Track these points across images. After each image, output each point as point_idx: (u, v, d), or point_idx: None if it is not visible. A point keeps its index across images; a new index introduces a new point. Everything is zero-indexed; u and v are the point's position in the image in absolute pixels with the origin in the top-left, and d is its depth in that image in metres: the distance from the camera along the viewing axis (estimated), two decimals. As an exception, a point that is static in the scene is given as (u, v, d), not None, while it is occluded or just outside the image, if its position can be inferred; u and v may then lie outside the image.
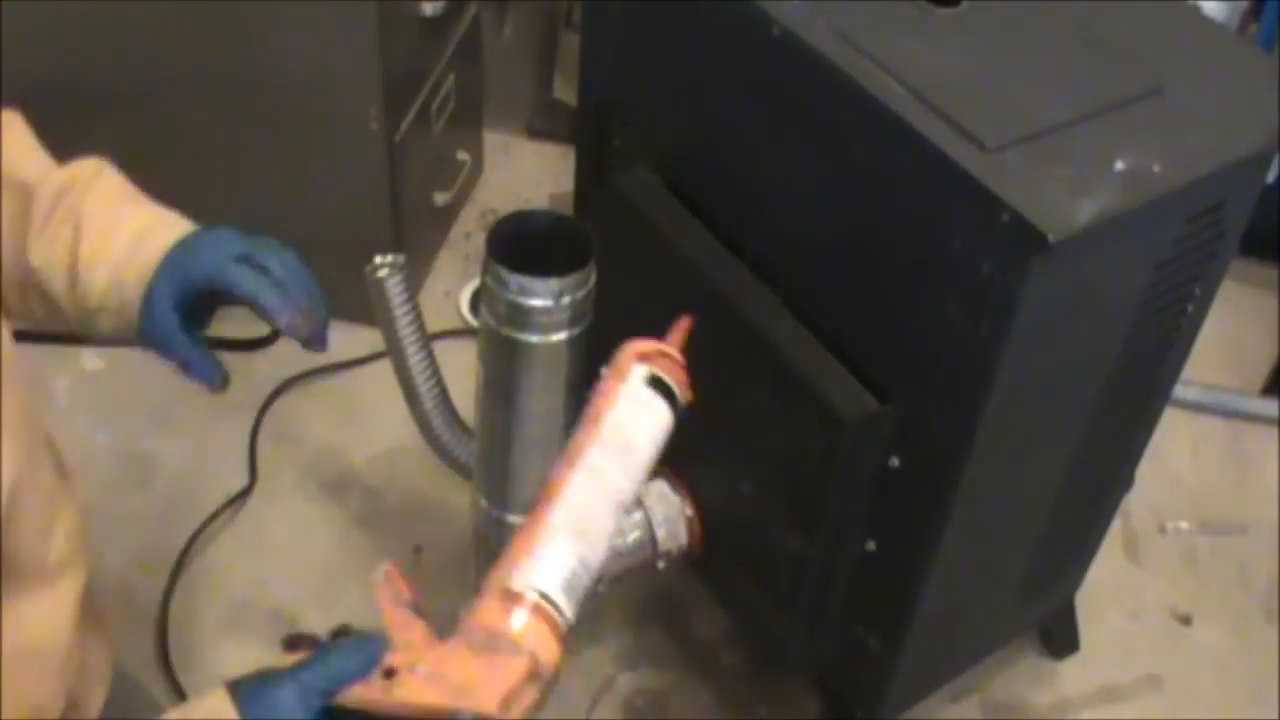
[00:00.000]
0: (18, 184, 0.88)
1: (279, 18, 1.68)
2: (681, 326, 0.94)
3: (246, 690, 0.72)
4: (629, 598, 1.67)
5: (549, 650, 0.75)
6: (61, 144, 0.95)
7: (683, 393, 0.92)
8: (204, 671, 1.57)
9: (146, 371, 1.88)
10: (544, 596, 0.76)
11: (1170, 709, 1.67)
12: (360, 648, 0.73)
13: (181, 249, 0.88)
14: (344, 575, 1.68)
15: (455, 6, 1.94)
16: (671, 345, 0.92)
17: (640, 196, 1.40)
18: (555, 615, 0.77)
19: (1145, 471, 1.50)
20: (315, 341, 0.91)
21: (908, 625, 1.31)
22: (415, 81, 1.88)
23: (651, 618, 1.68)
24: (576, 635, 1.66)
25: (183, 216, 0.92)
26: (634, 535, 1.43)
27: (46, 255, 0.87)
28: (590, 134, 1.59)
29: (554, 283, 1.08)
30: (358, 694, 0.71)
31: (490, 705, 0.71)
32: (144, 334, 0.88)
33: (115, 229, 0.88)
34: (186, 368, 0.89)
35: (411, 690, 0.72)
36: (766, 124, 1.25)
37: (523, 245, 1.10)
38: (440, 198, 2.06)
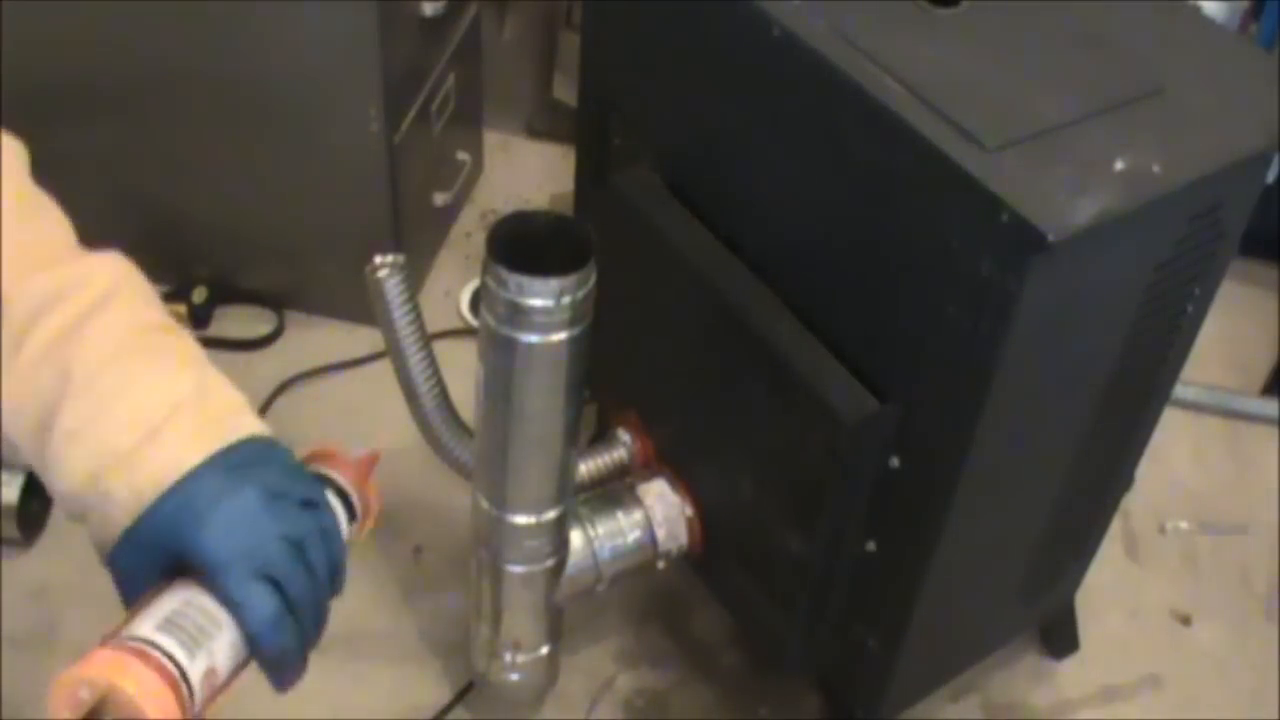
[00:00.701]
0: None
1: (279, 18, 1.68)
2: (369, 460, 0.83)
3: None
4: (629, 597, 1.67)
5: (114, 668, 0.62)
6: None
7: (362, 508, 0.80)
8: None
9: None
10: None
11: (1170, 709, 1.67)
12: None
13: (191, 500, 0.65)
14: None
15: (455, 6, 1.95)
16: (357, 467, 0.81)
17: (640, 196, 1.40)
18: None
19: (1145, 471, 1.50)
20: (280, 682, 0.71)
21: (907, 625, 1.31)
22: (415, 81, 1.88)
23: (651, 617, 1.69)
24: (575, 635, 1.67)
25: (207, 378, 0.70)
26: (634, 535, 1.43)
27: (12, 397, 0.66)
28: (590, 134, 1.59)
29: (554, 283, 1.08)
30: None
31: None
32: (111, 564, 0.67)
33: (118, 398, 0.66)
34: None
35: None
36: (766, 124, 1.25)
37: (522, 245, 1.10)
38: (440, 198, 2.06)
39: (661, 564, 1.46)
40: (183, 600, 0.65)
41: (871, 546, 1.30)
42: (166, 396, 0.67)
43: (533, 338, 1.12)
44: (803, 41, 1.15)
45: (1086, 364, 1.21)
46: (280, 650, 0.68)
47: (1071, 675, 1.69)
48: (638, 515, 1.44)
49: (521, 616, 1.39)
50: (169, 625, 0.64)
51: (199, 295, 1.96)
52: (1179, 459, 1.97)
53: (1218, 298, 1.28)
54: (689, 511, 1.46)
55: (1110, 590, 1.76)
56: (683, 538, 1.46)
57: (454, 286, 2.06)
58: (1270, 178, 1.20)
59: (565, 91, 2.35)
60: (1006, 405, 1.12)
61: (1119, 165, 1.06)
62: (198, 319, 1.95)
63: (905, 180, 1.10)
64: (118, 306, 0.69)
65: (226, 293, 1.99)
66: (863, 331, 1.21)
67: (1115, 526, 1.63)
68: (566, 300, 1.10)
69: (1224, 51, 1.29)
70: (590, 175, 1.62)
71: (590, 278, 1.11)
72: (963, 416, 1.13)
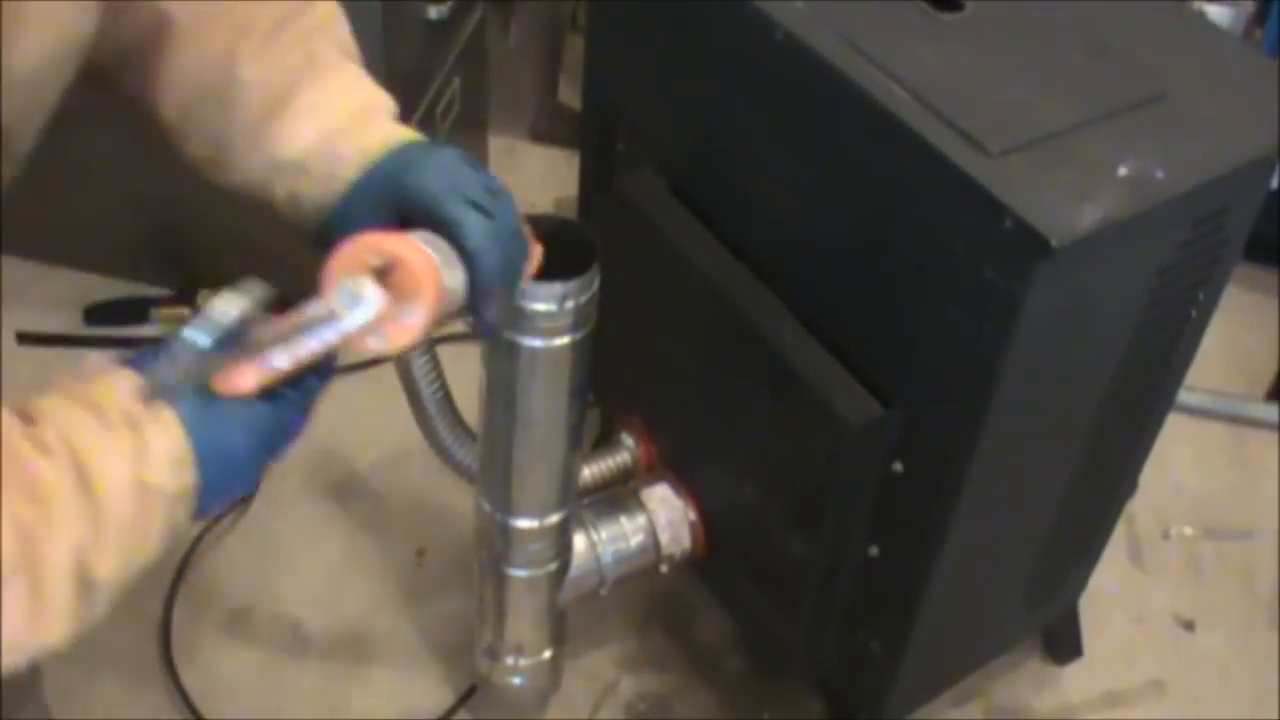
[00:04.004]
0: None
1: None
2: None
3: (145, 358, 0.68)
4: (632, 601, 1.67)
5: (410, 248, 0.73)
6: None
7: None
8: (207, 674, 1.57)
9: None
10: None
11: (1174, 714, 1.66)
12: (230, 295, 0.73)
13: (407, 155, 0.77)
14: (347, 578, 1.68)
15: (460, 10, 1.95)
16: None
17: (644, 200, 1.40)
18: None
19: (1149, 477, 1.50)
20: (488, 330, 0.80)
21: (911, 630, 1.31)
22: (420, 85, 1.89)
23: (654, 621, 1.68)
24: (578, 639, 1.67)
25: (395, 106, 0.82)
26: (637, 539, 1.43)
27: (262, 74, 0.77)
28: (595, 138, 1.59)
29: (557, 286, 1.08)
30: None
31: (356, 270, 0.71)
32: (329, 231, 0.77)
33: (344, 88, 0.79)
34: None
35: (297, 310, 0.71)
36: (770, 128, 1.25)
37: (526, 249, 1.10)
38: (445, 201, 2.06)
39: (664, 568, 1.46)
40: (425, 236, 0.75)
41: (875, 551, 1.30)
42: (376, 95, 0.82)
43: (536, 342, 1.12)
44: (807, 46, 1.15)
45: (1090, 369, 1.21)
46: (493, 268, 0.76)
47: (1075, 680, 1.69)
48: (641, 519, 1.44)
49: (524, 620, 1.39)
50: (429, 241, 0.74)
51: (203, 298, 1.96)
52: (1183, 464, 1.97)
53: (1221, 303, 1.28)
54: (692, 515, 1.46)
55: (1114, 595, 1.76)
56: (686, 541, 1.46)
57: (458, 290, 2.06)
58: (1274, 183, 1.20)
59: (570, 95, 2.36)
60: (1010, 410, 1.12)
61: (1123, 171, 1.06)
62: (202, 321, 1.95)
63: (909, 185, 1.11)
64: (342, 27, 0.84)
65: (231, 295, 1.99)
66: (866, 336, 1.21)
67: (1119, 532, 1.63)
68: (570, 304, 1.10)
69: (1228, 57, 1.29)
70: (594, 179, 1.63)
71: (594, 282, 1.11)
72: (966, 421, 1.13)
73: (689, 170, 1.40)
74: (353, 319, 0.70)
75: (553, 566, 1.35)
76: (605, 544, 1.40)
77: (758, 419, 1.33)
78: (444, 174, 0.76)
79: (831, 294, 1.23)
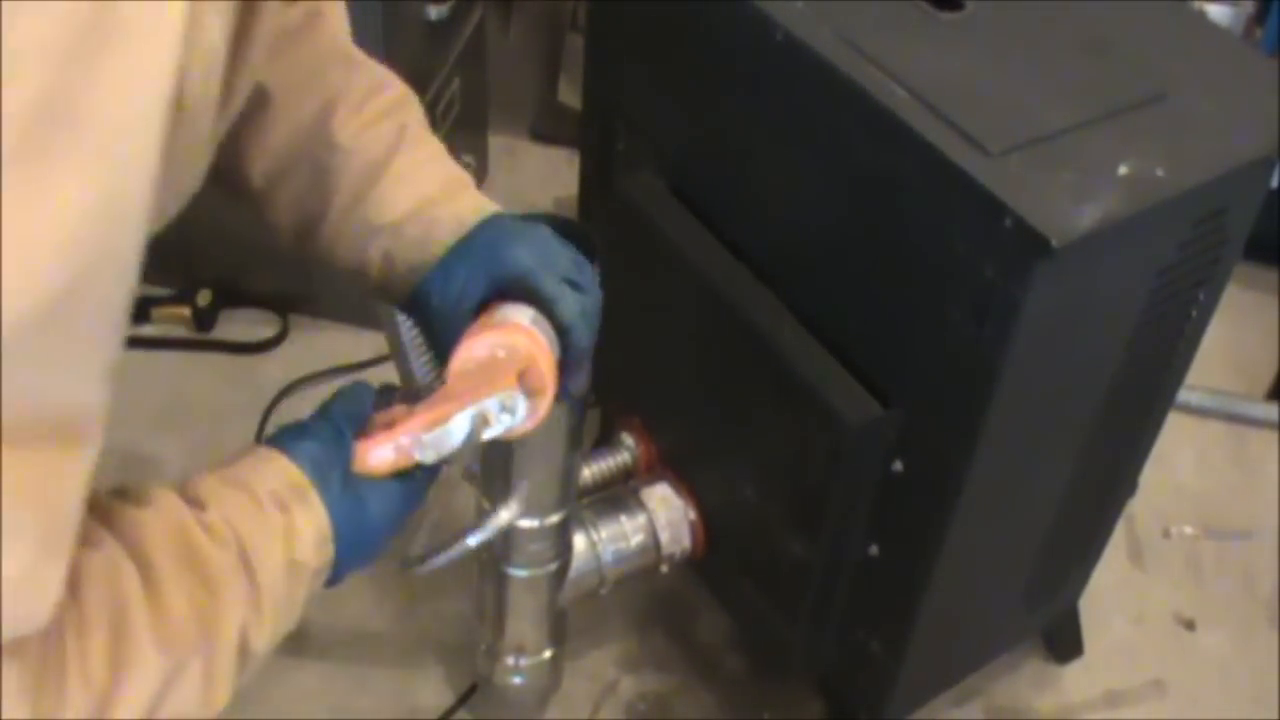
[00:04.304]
0: (342, 55, 0.85)
1: (284, 21, 1.69)
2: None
3: (287, 441, 0.74)
4: (632, 601, 1.68)
5: (538, 347, 0.78)
6: None
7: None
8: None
9: (149, 373, 1.88)
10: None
11: (1174, 714, 1.66)
12: (357, 388, 0.79)
13: (502, 226, 0.82)
14: (348, 578, 1.68)
15: (460, 10, 1.95)
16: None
17: (644, 200, 1.40)
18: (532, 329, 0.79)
19: (1149, 476, 1.50)
20: (566, 396, 0.84)
21: (911, 629, 1.31)
22: (420, 85, 1.88)
23: (654, 621, 1.69)
24: (578, 639, 1.67)
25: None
26: (637, 539, 1.43)
27: (357, 142, 0.82)
28: (595, 138, 1.59)
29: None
30: (383, 427, 0.75)
31: (511, 381, 0.76)
32: (424, 291, 0.81)
33: (433, 159, 0.84)
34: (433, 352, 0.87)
35: (437, 399, 0.75)
36: (770, 128, 1.25)
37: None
38: (445, 201, 2.06)
39: (664, 567, 1.46)
40: (533, 316, 0.80)
41: (875, 550, 1.30)
42: (458, 168, 0.87)
43: (536, 341, 1.12)
44: (807, 46, 1.15)
45: (1090, 369, 1.21)
46: (583, 343, 0.82)
47: (1075, 680, 1.69)
48: (641, 519, 1.44)
49: (525, 620, 1.39)
50: (536, 322, 0.79)
51: (203, 298, 1.96)
52: (1183, 464, 1.97)
53: (1222, 302, 1.28)
54: (692, 515, 1.46)
55: (1114, 595, 1.76)
56: (686, 541, 1.46)
57: (458, 290, 2.06)
58: (1274, 182, 1.20)
59: (570, 95, 2.36)
60: (1010, 410, 1.12)
61: (1123, 170, 1.06)
62: (202, 322, 1.95)
63: (909, 185, 1.11)
64: (418, 103, 0.89)
65: (231, 296, 1.99)
66: (866, 336, 1.21)
67: (1119, 531, 1.63)
68: (570, 304, 1.10)
69: (1228, 56, 1.29)
70: (594, 179, 1.63)
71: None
72: (966, 421, 1.13)
73: (689, 170, 1.40)
74: (502, 426, 0.76)
75: (553, 566, 1.35)
76: (605, 544, 1.40)
77: (757, 419, 1.33)
78: (539, 250, 0.81)
79: (831, 294, 1.24)
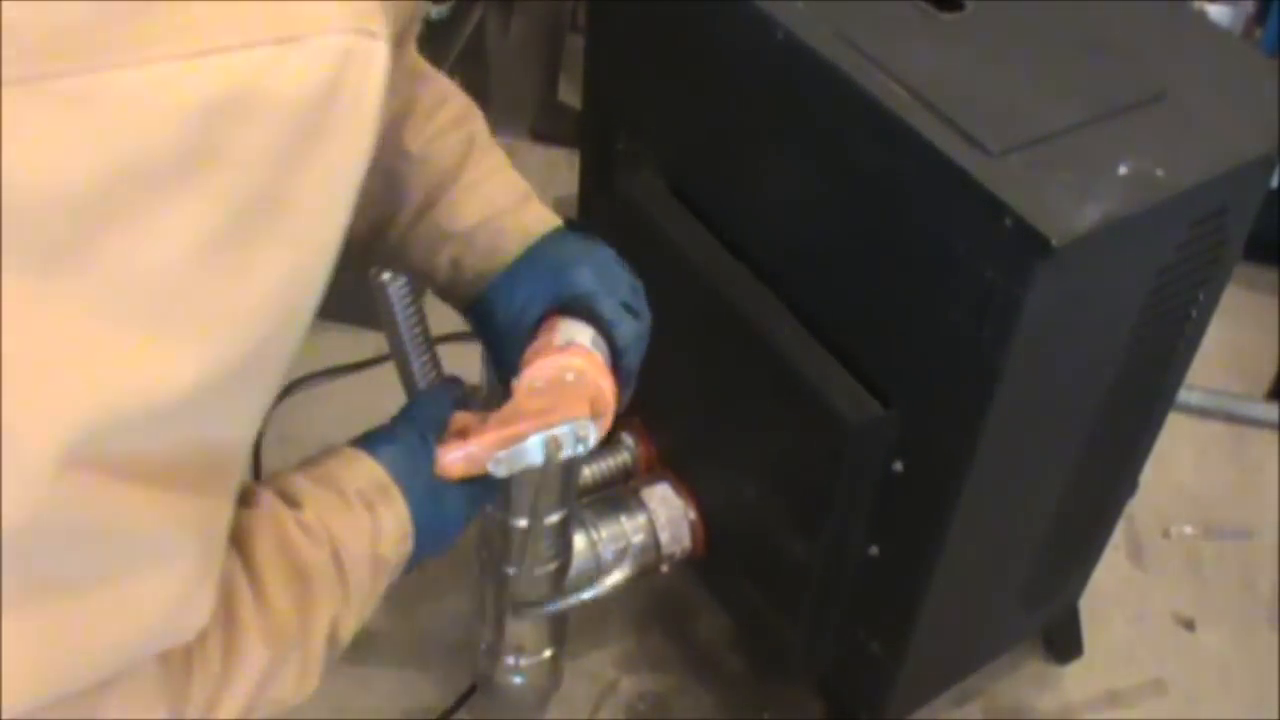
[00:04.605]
0: (411, 67, 0.87)
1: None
2: None
3: (372, 443, 0.78)
4: (632, 601, 1.68)
5: (602, 373, 0.81)
6: None
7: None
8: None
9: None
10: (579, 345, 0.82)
11: (1174, 713, 1.67)
12: (438, 392, 0.84)
13: (567, 243, 0.85)
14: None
15: (460, 10, 1.95)
16: None
17: (644, 200, 1.40)
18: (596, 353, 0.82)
19: (1149, 476, 1.50)
20: (622, 401, 0.87)
21: (911, 630, 1.31)
22: (420, 85, 1.88)
23: (654, 621, 1.69)
24: (578, 639, 1.66)
25: None
26: (638, 538, 1.43)
27: (428, 151, 0.84)
28: (595, 137, 1.59)
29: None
30: (456, 442, 0.78)
31: (584, 409, 0.78)
32: (489, 300, 0.85)
33: (500, 169, 0.87)
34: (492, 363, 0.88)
35: (507, 414, 0.77)
36: (770, 128, 1.25)
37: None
38: (445, 201, 2.06)
39: (665, 567, 1.46)
40: (594, 338, 0.82)
41: (875, 551, 1.30)
42: (522, 179, 0.89)
43: (537, 341, 1.12)
44: (807, 46, 1.15)
45: (1090, 368, 1.21)
46: (634, 366, 0.85)
47: (1075, 680, 1.69)
48: (641, 519, 1.44)
49: (525, 620, 1.39)
50: (594, 342, 0.82)
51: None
52: (1183, 464, 1.97)
53: (1222, 302, 1.27)
54: (692, 515, 1.46)
55: (1114, 595, 1.76)
56: (686, 541, 1.46)
57: (458, 290, 2.06)
58: (1274, 182, 1.20)
59: (570, 95, 2.36)
60: (1010, 410, 1.12)
61: (1123, 170, 1.06)
62: (202, 322, 1.95)
63: (909, 184, 1.11)
64: (481, 115, 0.89)
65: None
66: (866, 336, 1.21)
67: (1119, 531, 1.63)
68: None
69: (1228, 56, 1.29)
70: (594, 179, 1.63)
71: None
72: (966, 421, 1.13)
73: (689, 169, 1.40)
74: (572, 451, 0.79)
75: (553, 566, 1.35)
76: (605, 543, 1.40)
77: (758, 419, 1.33)
78: (602, 272, 0.84)
79: (831, 294, 1.23)
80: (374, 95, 0.51)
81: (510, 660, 1.42)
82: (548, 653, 1.44)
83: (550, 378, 0.79)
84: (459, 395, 0.83)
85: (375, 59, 0.50)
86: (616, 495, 1.47)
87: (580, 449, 0.79)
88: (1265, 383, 2.11)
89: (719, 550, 1.47)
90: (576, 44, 2.28)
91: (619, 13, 1.46)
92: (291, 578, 0.69)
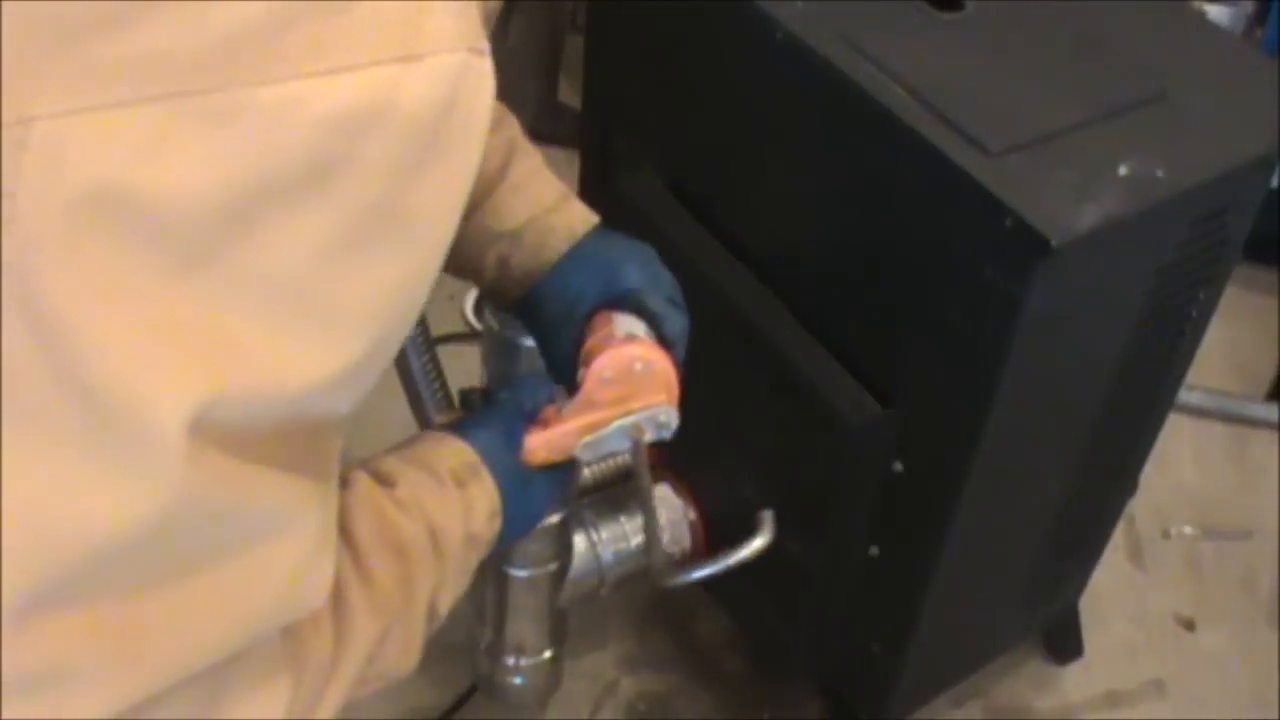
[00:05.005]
0: None
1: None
2: None
3: (462, 427, 0.82)
4: (632, 601, 1.68)
5: (668, 361, 0.85)
6: None
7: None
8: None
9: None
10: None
11: (1174, 714, 1.67)
12: (529, 380, 0.86)
13: (612, 241, 0.89)
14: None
15: (460, 10, 1.94)
16: None
17: (644, 200, 1.40)
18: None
19: (1149, 476, 1.50)
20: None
21: (911, 630, 1.31)
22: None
23: (654, 621, 1.69)
24: (578, 639, 1.66)
25: None
26: (637, 539, 1.43)
27: None
28: (594, 137, 1.59)
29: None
30: (540, 430, 0.82)
31: (661, 396, 0.83)
32: (539, 295, 0.88)
33: (540, 169, 0.91)
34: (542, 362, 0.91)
35: (581, 404, 0.81)
36: (770, 127, 1.25)
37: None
38: (445, 201, 2.06)
39: (664, 568, 1.46)
40: (636, 323, 0.86)
41: (875, 551, 1.30)
42: (559, 180, 0.93)
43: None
44: (806, 45, 1.15)
45: (1090, 369, 1.21)
46: (681, 358, 0.88)
47: (1075, 680, 1.69)
48: (641, 519, 1.43)
49: (524, 620, 1.39)
50: (649, 336, 0.86)
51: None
52: (1183, 464, 1.97)
53: (1222, 303, 1.28)
54: (692, 515, 1.46)
55: (1114, 595, 1.76)
56: (686, 541, 1.46)
57: (458, 290, 2.05)
58: (1274, 183, 1.20)
59: (570, 94, 2.36)
60: (1010, 410, 1.12)
61: (1122, 170, 1.06)
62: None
63: (909, 184, 1.11)
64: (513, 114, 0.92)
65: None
66: (866, 336, 1.21)
67: (1119, 532, 1.63)
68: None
69: (1228, 57, 1.29)
70: (594, 179, 1.63)
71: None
72: (966, 421, 1.13)
73: (689, 169, 1.40)
74: (651, 437, 0.84)
75: (553, 566, 1.35)
76: (605, 544, 1.40)
77: (758, 419, 1.33)
78: (649, 268, 0.89)
79: (831, 293, 1.23)
80: (484, 110, 0.54)
81: (510, 660, 1.42)
82: (548, 653, 1.45)
83: (620, 368, 0.82)
84: (547, 389, 0.86)
85: (485, 76, 0.54)
86: (616, 495, 1.46)
87: (664, 434, 0.84)
88: (1265, 383, 2.11)
89: (719, 550, 1.46)
90: (576, 44, 2.27)
91: (619, 13, 1.46)
92: (391, 553, 0.72)
